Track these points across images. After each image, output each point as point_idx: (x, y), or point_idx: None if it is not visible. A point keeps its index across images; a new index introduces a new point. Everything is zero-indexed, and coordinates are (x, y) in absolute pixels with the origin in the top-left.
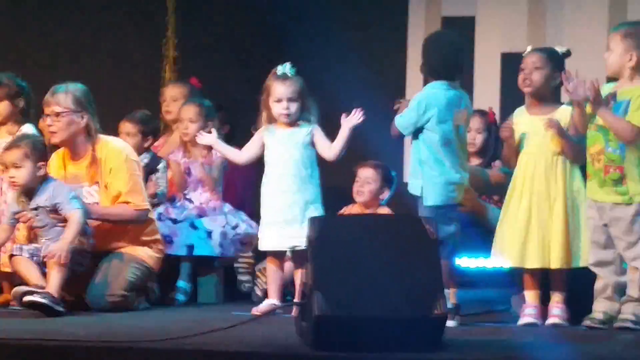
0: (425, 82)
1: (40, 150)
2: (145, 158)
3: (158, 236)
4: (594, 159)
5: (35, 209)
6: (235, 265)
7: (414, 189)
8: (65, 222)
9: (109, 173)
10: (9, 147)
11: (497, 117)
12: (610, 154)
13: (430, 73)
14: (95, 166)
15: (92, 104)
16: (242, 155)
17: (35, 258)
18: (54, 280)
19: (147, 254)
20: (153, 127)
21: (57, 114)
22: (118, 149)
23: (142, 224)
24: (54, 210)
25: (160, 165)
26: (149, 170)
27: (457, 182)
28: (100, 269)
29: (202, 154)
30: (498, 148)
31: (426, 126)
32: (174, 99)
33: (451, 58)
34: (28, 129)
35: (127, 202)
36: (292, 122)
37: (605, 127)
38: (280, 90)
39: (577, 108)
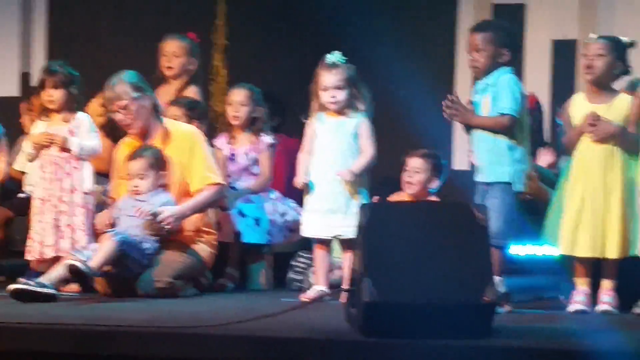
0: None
1: (162, 161)
2: None
3: (213, 231)
4: None
5: (143, 201)
6: (292, 262)
7: (498, 176)
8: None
9: (187, 151)
10: (133, 158)
11: (548, 104)
12: None
13: (509, 59)
14: (168, 140)
15: (145, 82)
16: (305, 156)
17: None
18: (100, 253)
19: (202, 248)
20: (199, 111)
21: (125, 107)
22: (190, 129)
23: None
24: (154, 216)
25: None
26: None
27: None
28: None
29: (249, 140)
30: (542, 133)
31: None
32: (175, 54)
33: (514, 46)
34: (83, 117)
35: (209, 183)
36: (341, 111)
37: None
38: (327, 78)
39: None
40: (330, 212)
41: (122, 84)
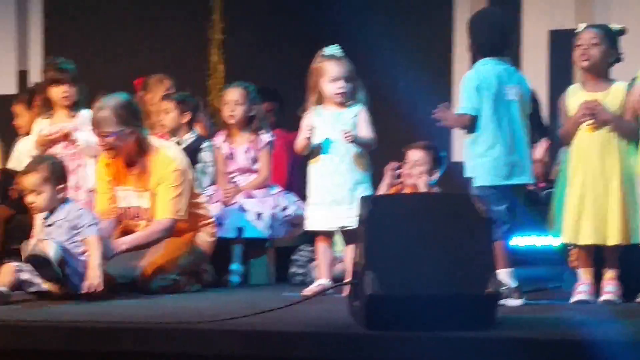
0: (473, 60)
1: (60, 172)
2: (189, 138)
3: (210, 219)
4: None
5: (51, 225)
6: (294, 257)
7: (468, 171)
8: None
9: (156, 184)
10: (26, 171)
11: (546, 94)
12: None
13: (478, 50)
14: (146, 176)
15: (136, 113)
16: (297, 142)
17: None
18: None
19: (200, 239)
20: (191, 104)
21: (105, 136)
22: (168, 159)
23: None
24: (74, 227)
25: (205, 145)
26: (194, 148)
27: (509, 161)
28: (154, 251)
29: (248, 139)
30: (540, 123)
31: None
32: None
33: (497, 34)
34: (87, 113)
35: (162, 218)
36: (343, 103)
37: None
38: (336, 69)
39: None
40: (334, 203)
41: (109, 111)
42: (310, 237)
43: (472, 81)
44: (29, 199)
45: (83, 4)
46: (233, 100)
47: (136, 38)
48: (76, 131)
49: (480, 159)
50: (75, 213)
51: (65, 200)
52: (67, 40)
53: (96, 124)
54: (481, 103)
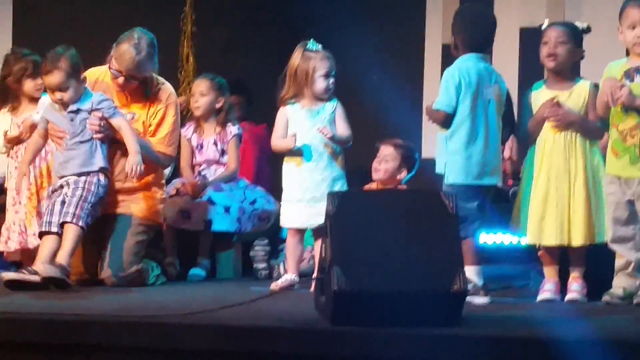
0: (445, 57)
1: (79, 64)
2: None
3: (163, 187)
4: (626, 135)
5: (75, 112)
6: (251, 253)
7: (439, 167)
8: (98, 134)
9: (154, 115)
10: (48, 71)
11: (516, 91)
12: None
13: (463, 45)
14: (146, 106)
15: (155, 47)
16: (277, 143)
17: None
18: (67, 247)
19: (147, 207)
20: None
21: (135, 78)
22: (166, 93)
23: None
24: (95, 110)
25: None
26: None
27: (482, 160)
28: (107, 245)
29: (215, 130)
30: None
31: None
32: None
33: (483, 30)
34: (45, 99)
35: (161, 151)
36: (327, 99)
37: None
38: (328, 64)
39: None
40: (313, 200)
41: (145, 52)
42: (267, 231)
43: (453, 78)
44: (56, 96)
45: None
46: (198, 92)
47: (107, 28)
48: (36, 115)
49: (453, 156)
50: (96, 101)
51: (85, 90)
52: (37, 31)
53: (133, 68)
54: (460, 100)
